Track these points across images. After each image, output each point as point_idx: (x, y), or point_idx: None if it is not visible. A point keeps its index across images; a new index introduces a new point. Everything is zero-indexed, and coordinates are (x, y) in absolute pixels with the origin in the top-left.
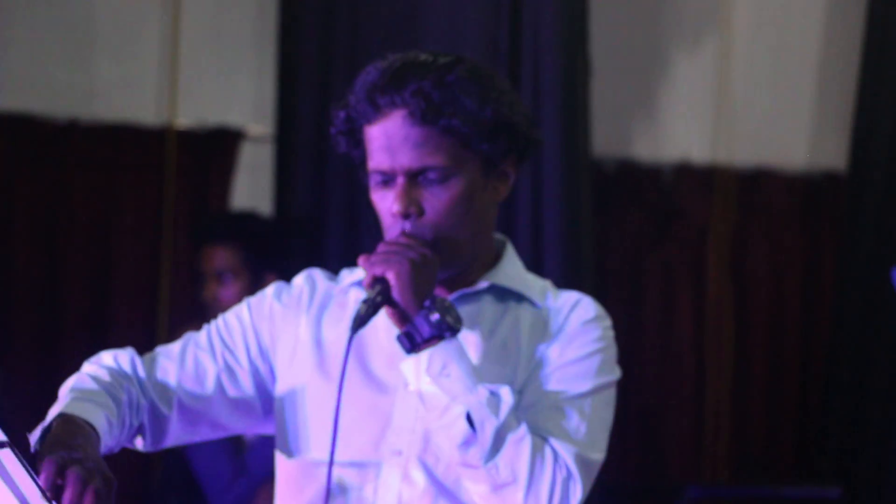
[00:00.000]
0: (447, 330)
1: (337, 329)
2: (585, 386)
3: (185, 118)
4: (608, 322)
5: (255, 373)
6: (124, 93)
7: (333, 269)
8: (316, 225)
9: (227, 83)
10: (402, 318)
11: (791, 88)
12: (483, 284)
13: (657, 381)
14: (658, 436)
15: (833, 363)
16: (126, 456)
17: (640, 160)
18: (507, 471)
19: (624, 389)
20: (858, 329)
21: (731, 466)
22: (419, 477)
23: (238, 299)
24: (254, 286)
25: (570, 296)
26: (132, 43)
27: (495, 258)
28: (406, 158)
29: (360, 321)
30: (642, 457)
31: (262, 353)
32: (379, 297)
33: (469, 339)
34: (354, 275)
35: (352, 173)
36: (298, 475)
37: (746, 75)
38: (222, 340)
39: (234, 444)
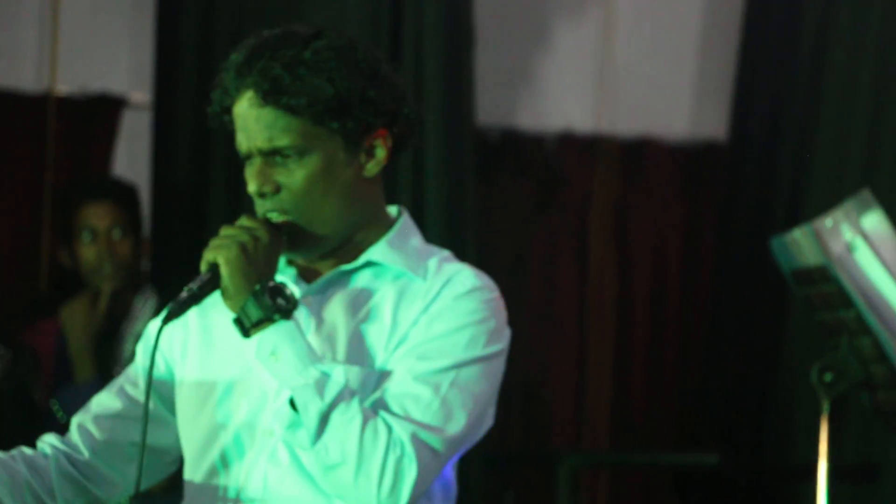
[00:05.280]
0: (276, 312)
1: (226, 313)
2: (447, 361)
3: (66, 85)
4: (489, 294)
5: (158, 385)
6: (4, 59)
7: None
8: (196, 194)
9: (107, 50)
10: (233, 303)
11: (673, 59)
12: (359, 261)
13: (539, 350)
14: (540, 403)
15: (713, 332)
16: None
17: (523, 129)
18: (336, 451)
19: (507, 358)
20: (738, 298)
21: (611, 434)
22: (284, 457)
23: (130, 257)
24: (135, 251)
25: (450, 269)
26: (12, 9)
27: (384, 232)
28: (258, 139)
29: (176, 310)
30: (524, 424)
31: (164, 361)
32: (197, 285)
33: (337, 318)
34: None
35: (233, 143)
36: (189, 460)
37: (629, 45)
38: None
39: None
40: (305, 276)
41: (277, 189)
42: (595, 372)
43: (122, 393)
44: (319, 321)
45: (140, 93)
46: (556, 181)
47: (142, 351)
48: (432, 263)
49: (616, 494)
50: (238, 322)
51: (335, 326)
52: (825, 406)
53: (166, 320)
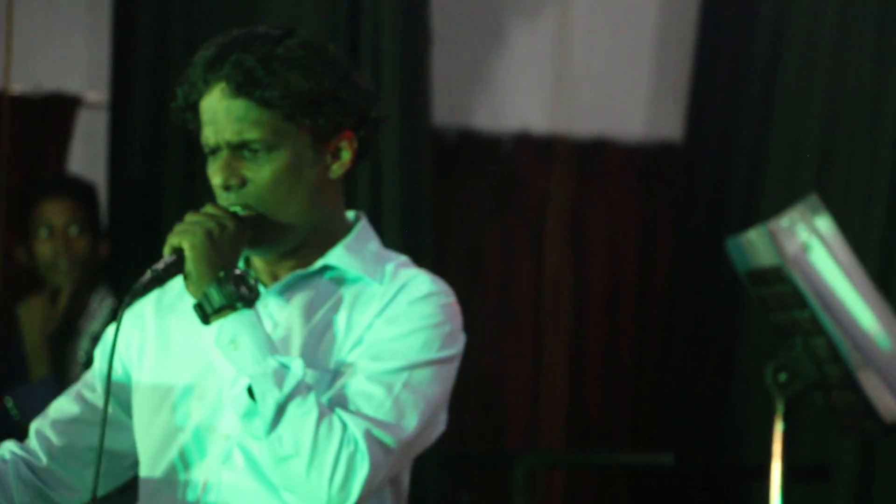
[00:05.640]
0: (239, 300)
1: (184, 316)
2: (400, 362)
3: (21, 84)
4: (445, 299)
5: (116, 389)
6: None
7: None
8: (152, 193)
9: (63, 49)
10: (196, 288)
11: (629, 60)
12: (317, 265)
13: (495, 350)
14: (496, 404)
15: (669, 332)
16: None
17: (479, 130)
18: (290, 443)
19: (463, 358)
20: (693, 299)
21: (567, 434)
22: (239, 460)
23: (87, 255)
24: (92, 249)
25: (407, 274)
26: None
27: (342, 236)
28: (227, 131)
29: (140, 290)
30: (480, 425)
31: (122, 365)
32: (162, 267)
33: (293, 322)
34: None
35: (189, 141)
36: (144, 464)
37: (585, 46)
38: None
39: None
40: (263, 279)
41: (243, 183)
42: (551, 372)
43: (79, 398)
44: (275, 324)
45: (96, 92)
46: (513, 182)
47: (100, 355)
48: (389, 268)
49: (572, 495)
50: (199, 308)
51: (290, 329)
52: (779, 406)
53: (131, 298)
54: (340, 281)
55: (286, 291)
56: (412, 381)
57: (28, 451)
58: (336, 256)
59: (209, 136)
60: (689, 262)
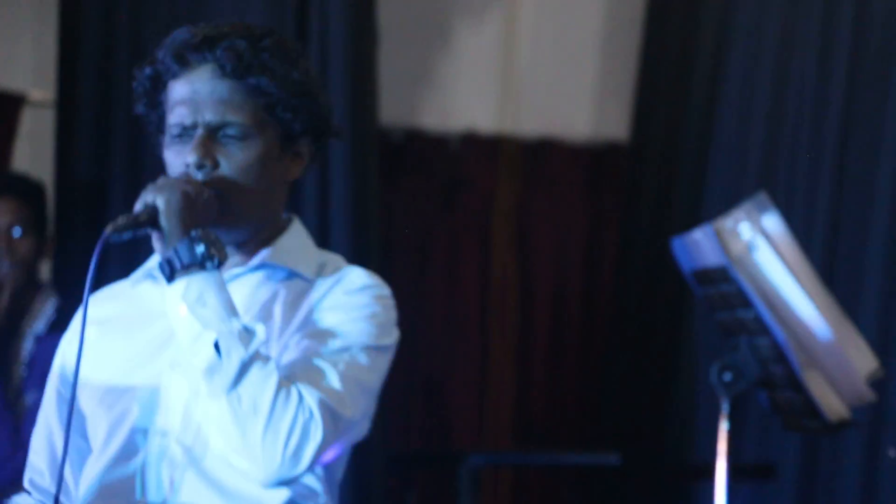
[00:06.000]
0: (208, 260)
1: (121, 318)
2: (342, 344)
3: None
4: (382, 291)
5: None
6: None
7: None
8: (98, 192)
9: (7, 47)
10: (167, 243)
11: (575, 60)
12: (254, 262)
13: (442, 350)
14: (442, 404)
15: (613, 332)
16: None
17: (426, 130)
18: (249, 402)
19: (409, 358)
20: (639, 298)
21: (513, 434)
22: (180, 455)
23: (31, 256)
24: (37, 249)
25: (343, 270)
26: None
27: (278, 235)
28: (209, 112)
29: (111, 236)
30: (426, 425)
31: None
32: (144, 217)
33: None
34: (146, 266)
35: (135, 141)
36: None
37: (531, 46)
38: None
39: (13, 419)
40: None
41: (216, 165)
42: (497, 372)
43: (47, 423)
44: None
45: (42, 91)
46: (460, 181)
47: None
48: (323, 265)
49: (518, 494)
50: (167, 263)
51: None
52: (724, 405)
53: (103, 245)
54: (275, 278)
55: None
56: (355, 363)
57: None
58: (271, 254)
59: (184, 115)
60: (635, 262)
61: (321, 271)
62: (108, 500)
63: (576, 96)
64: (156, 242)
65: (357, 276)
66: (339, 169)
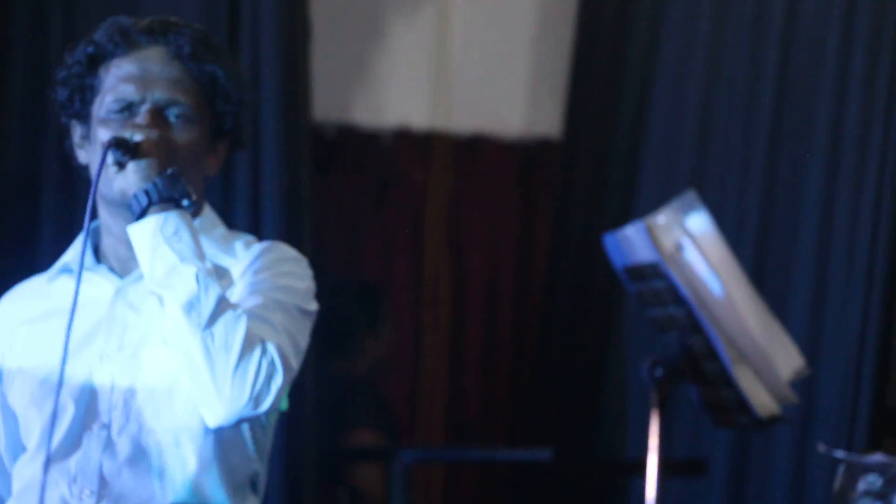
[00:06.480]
0: (186, 197)
1: (55, 307)
2: (277, 303)
3: None
4: (304, 262)
5: None
6: None
7: (49, 231)
8: (30, 187)
9: None
10: (145, 175)
11: (508, 56)
12: None
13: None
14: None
15: (546, 328)
16: None
17: (359, 125)
18: (222, 341)
19: None
20: (571, 294)
21: (446, 430)
22: (123, 446)
23: None
24: None
25: (263, 244)
26: None
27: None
28: (159, 90)
29: (112, 143)
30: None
31: None
32: (132, 144)
33: (154, 307)
34: (56, 265)
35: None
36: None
37: (464, 42)
38: None
39: None
40: (117, 270)
41: None
42: (430, 367)
43: None
44: (137, 312)
45: None
46: (392, 177)
47: None
48: (239, 245)
49: (450, 490)
50: (144, 194)
51: (154, 314)
52: (656, 401)
53: (101, 168)
54: None
55: (140, 279)
56: (291, 321)
57: None
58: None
59: (129, 92)
60: (567, 258)
61: (238, 250)
62: (48, 496)
63: (508, 93)
64: (133, 174)
65: (285, 248)
66: (272, 164)
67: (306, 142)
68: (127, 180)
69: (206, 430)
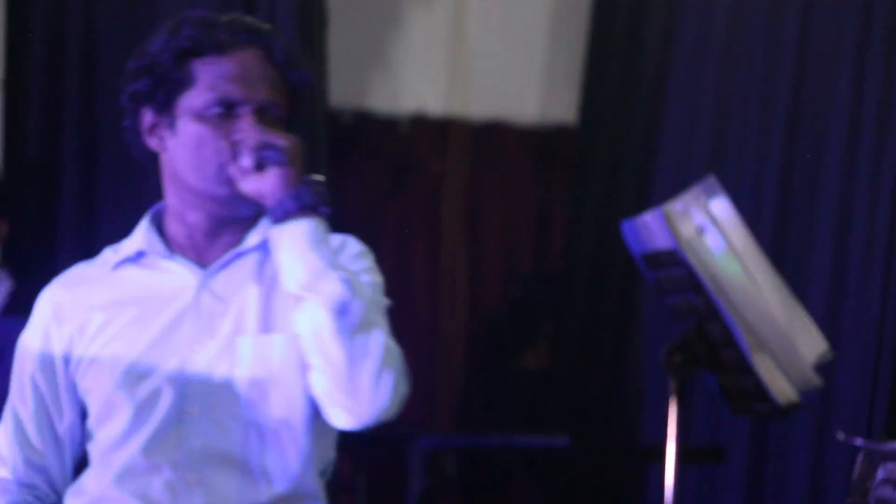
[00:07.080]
0: (324, 205)
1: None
2: (374, 297)
3: None
4: (373, 255)
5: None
6: None
7: (69, 217)
8: (49, 172)
9: None
10: (292, 182)
11: (524, 42)
12: (253, 241)
13: (392, 332)
14: None
15: (563, 314)
16: None
17: (375, 111)
18: (366, 347)
19: None
20: (588, 280)
21: (462, 417)
22: (221, 433)
23: None
24: None
25: (335, 238)
26: None
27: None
28: (261, 92)
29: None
30: None
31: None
32: (275, 142)
33: (245, 296)
34: (120, 253)
35: (87, 120)
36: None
37: (480, 28)
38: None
39: None
40: (198, 261)
41: None
42: (447, 354)
43: (15, 416)
44: (223, 303)
45: None
46: (409, 163)
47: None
48: None
49: (468, 476)
50: (293, 199)
51: (245, 303)
52: (674, 388)
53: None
54: (269, 254)
55: (222, 269)
56: (386, 318)
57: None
58: (263, 232)
59: (231, 91)
60: (584, 244)
61: None
62: (152, 482)
63: (524, 78)
64: (281, 178)
65: (356, 242)
66: None
67: (322, 128)
68: (265, 183)
69: (306, 421)
